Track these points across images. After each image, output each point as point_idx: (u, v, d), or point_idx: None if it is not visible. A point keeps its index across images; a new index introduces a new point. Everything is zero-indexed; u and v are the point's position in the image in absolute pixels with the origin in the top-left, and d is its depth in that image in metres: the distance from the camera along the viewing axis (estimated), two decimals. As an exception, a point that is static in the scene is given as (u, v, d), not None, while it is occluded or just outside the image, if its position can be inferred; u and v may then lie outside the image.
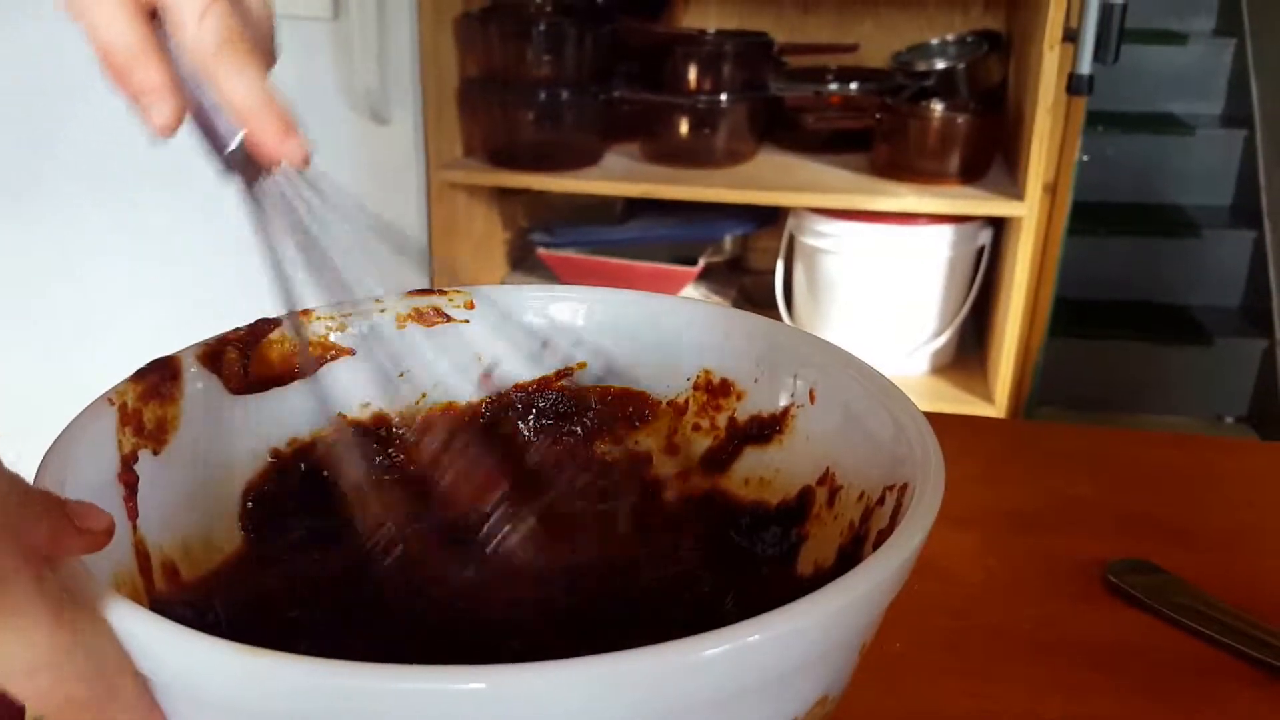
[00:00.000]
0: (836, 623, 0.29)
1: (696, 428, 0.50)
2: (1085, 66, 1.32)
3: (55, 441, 0.37)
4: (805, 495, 0.44)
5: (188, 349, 0.44)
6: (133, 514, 0.39)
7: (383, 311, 0.50)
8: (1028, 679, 0.50)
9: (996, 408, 1.54)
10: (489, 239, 1.82)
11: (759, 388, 0.48)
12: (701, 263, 1.72)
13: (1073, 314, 2.17)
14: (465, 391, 0.51)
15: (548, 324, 0.51)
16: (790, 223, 1.64)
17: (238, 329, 0.46)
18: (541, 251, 1.75)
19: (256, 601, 0.42)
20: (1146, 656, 0.51)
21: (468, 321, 0.51)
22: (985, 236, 1.57)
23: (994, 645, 0.52)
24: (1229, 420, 2.30)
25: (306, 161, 0.40)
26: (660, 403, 0.51)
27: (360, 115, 1.56)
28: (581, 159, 1.63)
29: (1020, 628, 0.53)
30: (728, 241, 1.86)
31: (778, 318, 1.40)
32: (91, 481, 0.37)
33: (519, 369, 0.51)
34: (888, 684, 0.48)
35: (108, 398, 0.40)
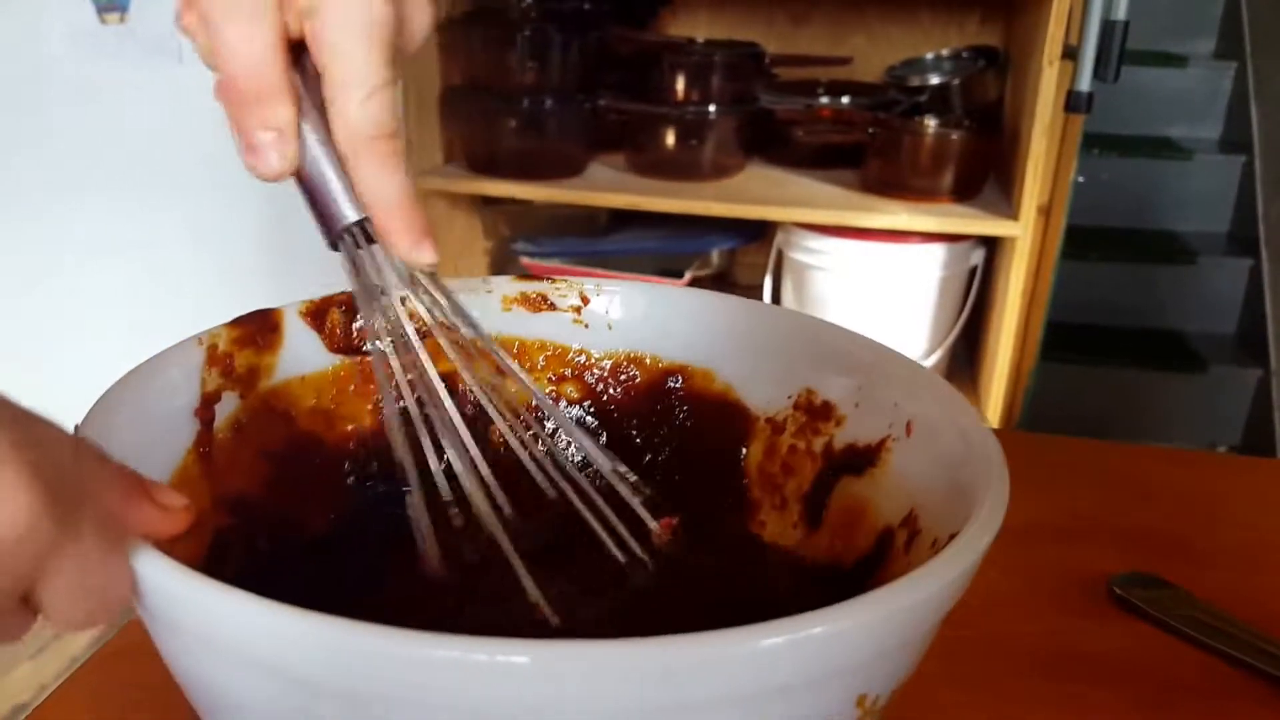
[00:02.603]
0: (893, 623, 0.29)
1: (793, 450, 0.47)
2: (1085, 84, 1.29)
3: (134, 369, 0.38)
4: (885, 538, 0.41)
5: (290, 305, 0.45)
6: (205, 441, 0.40)
7: (489, 293, 0.49)
8: (1030, 692, 0.49)
9: (986, 432, 1.50)
10: (470, 247, 1.78)
11: (859, 413, 0.45)
12: (688, 276, 1.68)
13: (1065, 338, 2.14)
14: (565, 386, 0.51)
15: (652, 324, 0.50)
16: (779, 238, 1.60)
17: (345, 291, 0.46)
18: (526, 260, 1.71)
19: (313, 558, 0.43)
20: (1151, 669, 0.51)
21: (574, 310, 0.50)
22: (978, 256, 1.53)
23: (996, 658, 0.51)
24: (1222, 449, 2.27)
25: (434, 266, 0.38)
26: (759, 418, 0.48)
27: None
28: (565, 168, 1.59)
29: (1023, 640, 0.53)
30: (715, 255, 1.82)
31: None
32: (165, 409, 0.39)
33: (617, 366, 0.50)
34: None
35: (198, 338, 0.41)
